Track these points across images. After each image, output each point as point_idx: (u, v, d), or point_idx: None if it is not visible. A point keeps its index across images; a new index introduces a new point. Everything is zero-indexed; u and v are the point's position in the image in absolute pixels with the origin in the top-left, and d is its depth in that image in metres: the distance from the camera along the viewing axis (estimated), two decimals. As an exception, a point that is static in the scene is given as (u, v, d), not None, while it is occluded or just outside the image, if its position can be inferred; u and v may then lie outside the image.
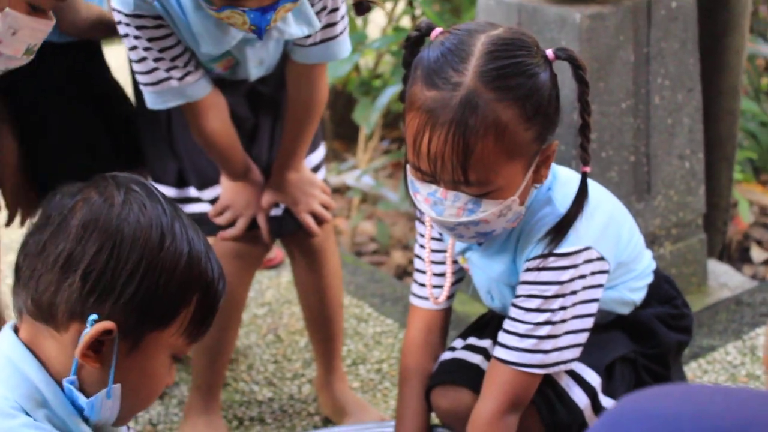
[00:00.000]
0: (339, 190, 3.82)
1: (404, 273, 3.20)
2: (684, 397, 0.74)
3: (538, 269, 1.63)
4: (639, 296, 1.81)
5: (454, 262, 1.80)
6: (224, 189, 2.14)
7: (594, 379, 1.73)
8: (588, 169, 1.62)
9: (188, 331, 1.32)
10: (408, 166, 1.59)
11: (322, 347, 2.34)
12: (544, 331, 1.63)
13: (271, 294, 2.85)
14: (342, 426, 2.04)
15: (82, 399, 1.29)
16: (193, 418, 2.24)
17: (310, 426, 2.31)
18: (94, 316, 1.25)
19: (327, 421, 2.33)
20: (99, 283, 1.25)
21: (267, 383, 2.47)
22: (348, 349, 2.59)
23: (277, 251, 3.01)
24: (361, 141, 3.77)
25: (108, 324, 1.25)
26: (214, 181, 2.15)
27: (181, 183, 2.19)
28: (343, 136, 4.11)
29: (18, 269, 1.30)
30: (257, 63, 2.06)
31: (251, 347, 2.63)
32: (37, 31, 1.47)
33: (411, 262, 3.32)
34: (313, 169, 2.24)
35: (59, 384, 1.29)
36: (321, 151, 2.28)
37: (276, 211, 2.17)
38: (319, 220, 2.20)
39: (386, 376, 2.47)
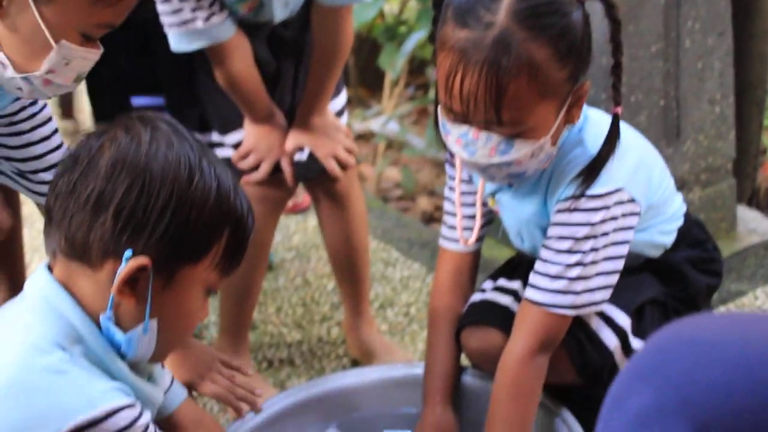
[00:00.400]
0: (364, 137, 3.82)
1: (431, 219, 3.21)
2: (729, 324, 0.74)
3: (570, 210, 1.62)
4: (669, 239, 1.80)
5: (484, 204, 1.80)
6: (247, 133, 2.14)
7: (624, 320, 1.74)
8: (620, 110, 1.61)
9: (220, 265, 1.34)
10: (439, 107, 1.59)
11: (349, 290, 2.35)
12: (576, 272, 1.63)
13: (299, 238, 2.86)
14: (371, 366, 2.05)
15: (119, 335, 1.32)
16: None
17: (339, 368, 2.34)
18: (128, 253, 1.27)
19: (355, 363, 2.35)
20: (131, 221, 1.27)
21: (296, 326, 2.49)
22: (375, 293, 2.60)
23: (305, 196, 3.02)
24: (386, 87, 3.75)
25: (142, 260, 1.27)
26: (236, 125, 2.15)
27: (203, 128, 2.20)
28: (367, 82, 4.09)
29: (49, 210, 1.32)
30: (283, 4, 2.04)
31: (279, 291, 2.64)
32: (87, 60, 1.51)
33: (437, 208, 3.32)
34: (336, 114, 2.24)
35: (95, 321, 1.31)
36: (343, 97, 2.28)
37: (300, 156, 2.17)
38: (343, 165, 2.20)
39: (414, 319, 2.49)
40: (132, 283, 1.29)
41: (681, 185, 2.60)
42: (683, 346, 0.72)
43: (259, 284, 2.28)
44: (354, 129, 3.80)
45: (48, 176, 1.74)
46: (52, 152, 1.73)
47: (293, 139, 2.15)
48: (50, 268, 1.35)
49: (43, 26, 1.43)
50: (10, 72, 1.46)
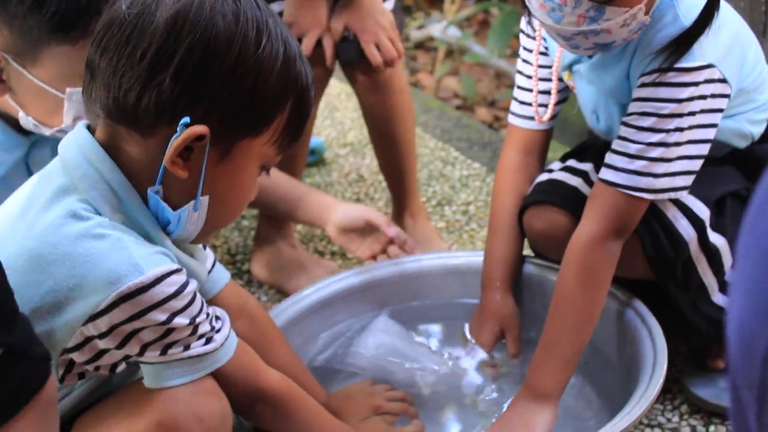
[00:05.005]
0: (423, 45, 3.70)
1: (490, 128, 3.09)
2: None
3: (655, 84, 1.51)
4: (758, 130, 1.68)
5: (560, 78, 1.69)
6: (288, 4, 1.99)
7: (703, 211, 1.62)
8: (720, -22, 1.49)
9: (280, 139, 1.23)
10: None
11: (393, 184, 2.23)
12: (657, 152, 1.52)
13: (354, 135, 2.76)
14: (429, 253, 1.95)
15: (168, 210, 1.20)
16: (263, 245, 2.18)
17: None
18: (186, 120, 1.14)
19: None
20: (191, 83, 1.14)
21: (348, 219, 2.40)
22: (433, 191, 2.50)
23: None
24: (448, -7, 3.63)
25: (201, 128, 1.15)
26: None
27: None
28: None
29: (92, 66, 1.18)
30: None
31: (333, 185, 2.55)
32: None
33: (497, 118, 3.21)
34: None
35: (139, 192, 1.20)
36: None
37: (346, 34, 2.01)
38: (384, 57, 2.01)
39: (473, 218, 2.39)
40: (186, 153, 1.17)
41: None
42: None
43: (301, 169, 2.18)
44: (412, 36, 3.68)
45: None
46: None
47: (339, 17, 1.99)
48: (90, 129, 1.23)
49: (43, 85, 1.44)
50: (45, 130, 1.49)
